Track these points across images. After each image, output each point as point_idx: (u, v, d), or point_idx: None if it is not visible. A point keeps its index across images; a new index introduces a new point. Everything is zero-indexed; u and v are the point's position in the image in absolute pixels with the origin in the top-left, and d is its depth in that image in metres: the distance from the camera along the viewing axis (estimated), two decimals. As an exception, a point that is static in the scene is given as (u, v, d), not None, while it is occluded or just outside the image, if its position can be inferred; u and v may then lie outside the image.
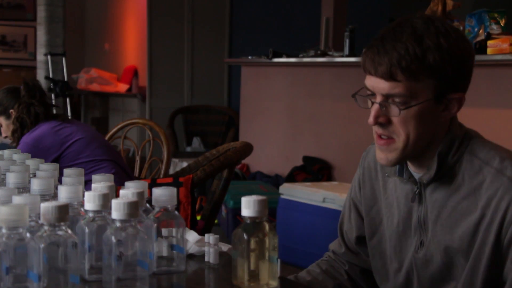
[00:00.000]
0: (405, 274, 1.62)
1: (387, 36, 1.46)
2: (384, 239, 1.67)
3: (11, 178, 1.50)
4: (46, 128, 3.06)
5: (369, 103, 1.50)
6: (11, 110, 3.12)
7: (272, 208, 4.43)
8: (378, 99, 1.48)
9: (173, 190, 1.38)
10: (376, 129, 1.51)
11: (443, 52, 1.44)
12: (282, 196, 4.50)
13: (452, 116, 1.52)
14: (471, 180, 1.48)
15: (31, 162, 1.74)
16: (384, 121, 1.48)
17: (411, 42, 1.43)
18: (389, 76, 1.44)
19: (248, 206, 1.27)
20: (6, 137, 3.19)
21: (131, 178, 3.05)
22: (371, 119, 1.49)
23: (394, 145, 1.49)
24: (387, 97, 1.46)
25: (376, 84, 1.47)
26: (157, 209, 1.38)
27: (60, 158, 3.01)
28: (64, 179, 1.48)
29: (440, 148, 1.50)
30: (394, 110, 1.46)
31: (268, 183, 5.59)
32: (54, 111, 3.21)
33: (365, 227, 1.72)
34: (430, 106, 1.47)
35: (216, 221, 3.08)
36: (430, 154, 1.52)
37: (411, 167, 1.57)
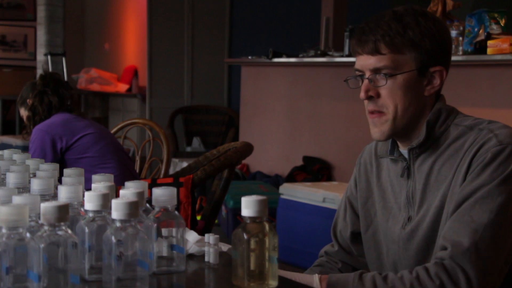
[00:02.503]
0: (392, 255, 1.66)
1: (371, 20, 1.63)
2: (378, 230, 1.72)
3: (11, 178, 1.49)
4: (59, 118, 3.11)
5: (359, 82, 1.65)
6: (28, 100, 3.16)
7: (272, 208, 4.43)
8: (367, 74, 1.62)
9: (173, 190, 1.38)
10: (367, 105, 1.64)
11: (421, 28, 1.59)
12: (282, 196, 4.50)
13: (435, 90, 1.64)
14: (454, 144, 1.58)
15: (31, 162, 1.74)
16: (373, 94, 1.62)
17: (392, 21, 1.60)
18: (375, 50, 1.59)
19: (248, 206, 1.27)
20: (26, 132, 3.21)
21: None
22: (362, 94, 1.63)
23: (385, 117, 1.61)
24: (374, 71, 1.61)
25: (364, 61, 1.62)
26: (157, 209, 1.38)
27: (69, 149, 3.03)
28: (64, 179, 1.48)
29: (429, 117, 1.61)
30: (381, 80, 1.60)
31: (268, 183, 5.59)
32: (69, 104, 3.21)
33: (360, 221, 1.77)
34: (414, 78, 1.61)
35: (216, 221, 3.08)
36: (419, 126, 1.63)
37: (401, 147, 1.68)
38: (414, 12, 1.60)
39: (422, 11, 1.62)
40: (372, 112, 1.63)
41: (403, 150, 1.67)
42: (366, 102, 1.64)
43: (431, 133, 1.61)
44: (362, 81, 1.63)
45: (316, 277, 1.56)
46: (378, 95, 1.61)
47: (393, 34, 1.58)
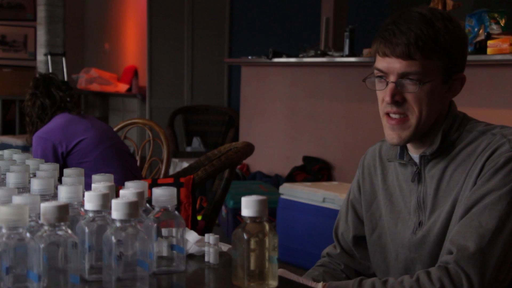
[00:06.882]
0: (403, 260, 1.64)
1: (399, 21, 1.55)
2: (384, 232, 1.70)
3: (11, 178, 1.49)
4: (59, 121, 3.08)
5: (382, 84, 1.58)
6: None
7: (272, 208, 4.43)
8: (393, 78, 1.55)
9: (173, 190, 1.38)
10: (389, 109, 1.57)
11: (450, 34, 1.54)
12: (282, 196, 4.50)
13: (454, 96, 1.61)
14: (466, 149, 1.56)
15: (31, 162, 1.74)
16: (399, 99, 1.56)
17: (423, 24, 1.53)
18: (407, 55, 1.52)
19: (248, 206, 1.27)
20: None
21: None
22: (388, 98, 1.55)
23: (408, 122, 1.57)
24: (402, 76, 1.54)
25: (392, 64, 1.55)
26: (157, 209, 1.38)
27: (70, 154, 3.02)
28: (64, 179, 1.48)
29: (444, 125, 1.58)
30: (411, 87, 1.54)
31: (268, 183, 5.59)
32: (65, 103, 3.17)
33: (365, 225, 1.75)
34: (438, 85, 1.56)
35: (216, 221, 3.08)
36: (433, 133, 1.59)
37: (411, 151, 1.64)
38: (442, 17, 1.55)
39: (447, 15, 1.58)
40: (393, 117, 1.58)
41: (414, 155, 1.64)
42: (385, 104, 1.58)
43: (444, 140, 1.59)
44: (387, 84, 1.56)
45: (320, 285, 1.55)
46: (403, 100, 1.56)
47: (426, 39, 1.52)
